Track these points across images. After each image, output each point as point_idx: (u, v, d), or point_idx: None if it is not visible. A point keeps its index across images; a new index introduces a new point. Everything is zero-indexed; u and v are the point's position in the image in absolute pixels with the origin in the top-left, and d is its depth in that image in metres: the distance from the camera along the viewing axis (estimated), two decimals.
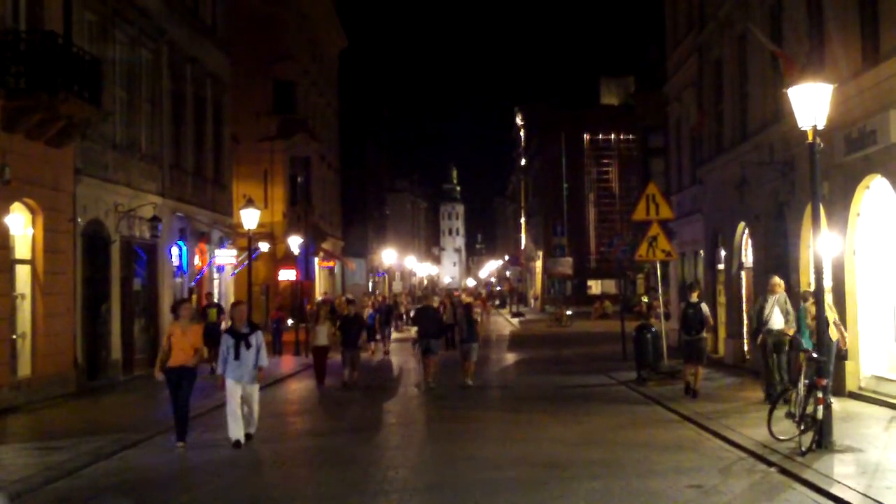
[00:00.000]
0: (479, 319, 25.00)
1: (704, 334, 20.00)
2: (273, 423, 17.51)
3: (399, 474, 12.77)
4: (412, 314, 30.09)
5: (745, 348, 25.23)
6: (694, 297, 20.28)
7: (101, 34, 24.23)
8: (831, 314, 16.52)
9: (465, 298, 35.17)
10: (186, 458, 14.23)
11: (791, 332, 17.24)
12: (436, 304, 27.54)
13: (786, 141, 20.77)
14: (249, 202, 29.35)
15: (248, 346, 14.63)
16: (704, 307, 20.18)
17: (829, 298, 16.87)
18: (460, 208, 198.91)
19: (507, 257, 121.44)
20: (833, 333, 16.49)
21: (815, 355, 13.61)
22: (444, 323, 25.18)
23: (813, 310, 16.02)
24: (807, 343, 16.39)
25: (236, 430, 14.60)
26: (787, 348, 17.45)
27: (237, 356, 14.59)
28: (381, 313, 35.56)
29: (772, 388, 17.23)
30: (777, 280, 18.00)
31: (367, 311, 34.49)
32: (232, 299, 36.64)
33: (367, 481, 12.09)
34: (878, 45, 16.87)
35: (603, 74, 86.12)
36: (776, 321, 17.55)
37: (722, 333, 28.13)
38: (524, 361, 31.95)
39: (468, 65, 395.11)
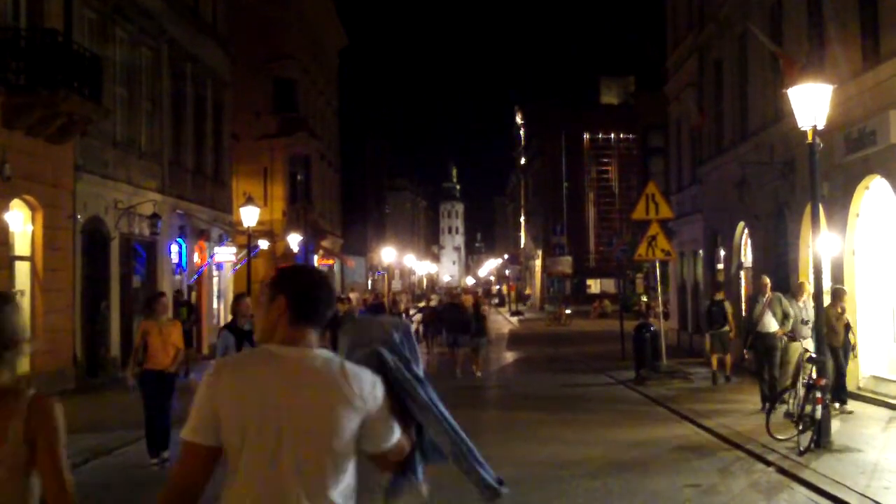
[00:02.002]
0: (487, 316, 27.04)
1: (727, 328, 22.06)
2: None
3: None
4: (440, 311, 30.92)
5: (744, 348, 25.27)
6: (719, 296, 22.92)
7: (102, 32, 24.24)
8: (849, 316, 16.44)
9: (466, 298, 35.43)
10: None
11: (782, 332, 16.53)
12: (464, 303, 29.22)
13: (786, 141, 20.79)
14: (249, 200, 29.37)
15: (253, 345, 12.71)
16: (727, 304, 22.56)
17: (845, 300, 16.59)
18: (460, 207, 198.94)
19: (506, 256, 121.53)
20: (851, 336, 16.43)
21: (813, 355, 13.66)
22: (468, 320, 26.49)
23: (831, 311, 15.87)
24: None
25: None
26: (778, 351, 16.65)
27: None
28: (371, 311, 35.47)
29: (764, 391, 16.70)
30: (766, 280, 17.37)
31: (358, 309, 34.48)
32: (232, 297, 36.69)
33: (366, 479, 12.08)
34: (878, 45, 16.89)
35: (603, 74, 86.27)
36: (767, 323, 16.72)
37: None
38: (523, 360, 31.98)
39: (468, 63, 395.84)
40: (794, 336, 16.41)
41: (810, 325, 16.38)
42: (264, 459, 3.23)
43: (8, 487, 3.42)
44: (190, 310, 25.98)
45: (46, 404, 3.59)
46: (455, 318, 26.17)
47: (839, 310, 16.17)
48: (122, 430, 15.66)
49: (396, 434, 3.55)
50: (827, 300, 16.21)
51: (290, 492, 3.22)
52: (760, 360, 16.96)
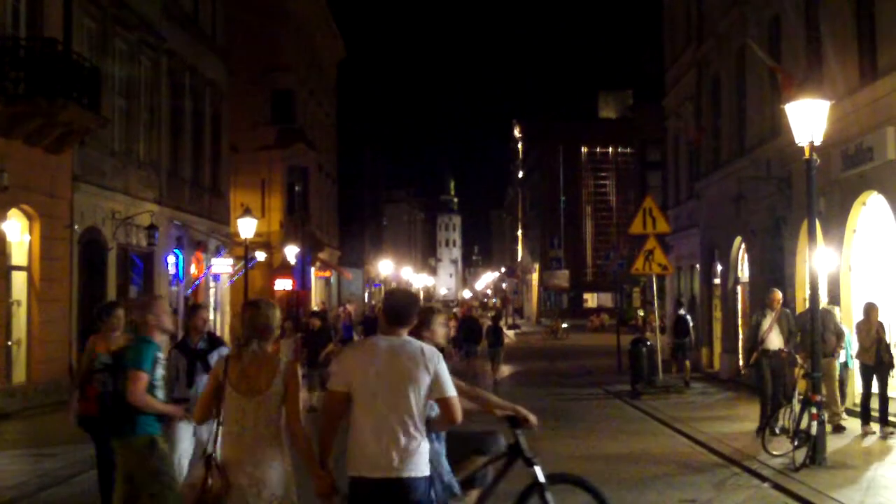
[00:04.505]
0: (503, 329, 29.90)
1: (688, 339, 25.81)
2: None
3: None
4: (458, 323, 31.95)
5: (741, 363, 25.25)
6: (682, 311, 26.66)
7: (101, 42, 24.28)
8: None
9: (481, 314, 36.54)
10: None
11: (785, 350, 15.97)
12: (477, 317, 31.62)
13: (783, 156, 20.82)
14: (247, 211, 29.36)
15: (207, 368, 10.05)
16: (689, 317, 26.48)
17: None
18: (457, 219, 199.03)
19: (503, 269, 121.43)
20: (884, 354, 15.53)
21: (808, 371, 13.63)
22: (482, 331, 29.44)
23: (864, 327, 15.37)
24: (850, 361, 16.27)
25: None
26: (784, 370, 16.06)
27: (190, 383, 10.30)
28: (367, 324, 35.13)
29: (766, 409, 16.00)
30: (778, 295, 16.49)
31: (342, 322, 34.35)
32: (228, 309, 36.56)
33: None
34: (876, 62, 16.94)
35: (601, 88, 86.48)
36: (774, 340, 15.91)
37: (718, 348, 28.18)
38: (519, 374, 31.94)
39: (467, 77, 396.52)
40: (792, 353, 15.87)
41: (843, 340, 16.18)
42: (375, 400, 5.63)
43: (272, 415, 6.00)
44: None
45: (295, 368, 6.26)
46: (471, 329, 28.59)
47: (872, 325, 15.43)
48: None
49: (452, 391, 5.79)
50: (830, 315, 16.10)
51: (389, 418, 5.61)
52: (763, 377, 16.12)
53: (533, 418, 7.64)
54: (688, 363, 25.35)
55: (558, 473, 8.36)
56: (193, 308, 11.58)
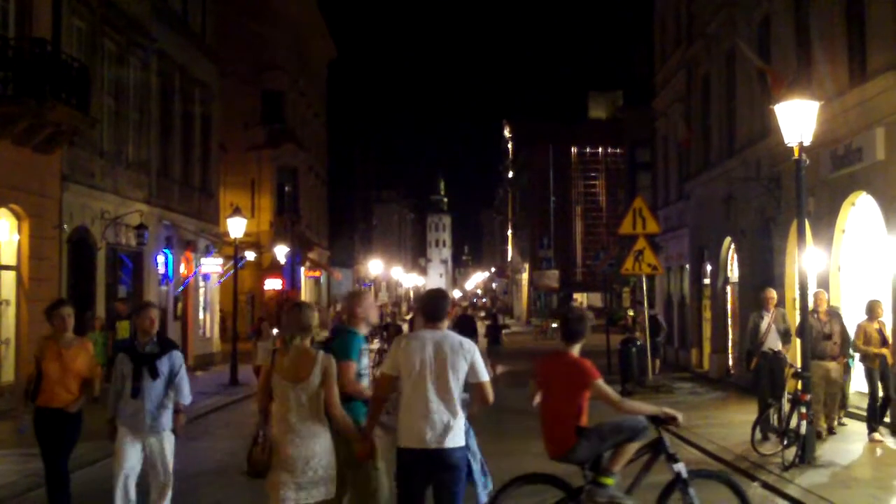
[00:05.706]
0: (501, 327, 31.62)
1: (660, 338, 26.88)
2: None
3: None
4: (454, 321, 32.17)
5: (730, 363, 25.32)
6: (654, 311, 27.71)
7: (90, 42, 24.19)
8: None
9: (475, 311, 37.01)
10: None
11: (785, 351, 15.58)
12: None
13: (772, 157, 20.87)
14: (236, 211, 29.28)
15: (155, 375, 9.14)
16: (660, 317, 28.20)
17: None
18: (447, 219, 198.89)
19: (493, 269, 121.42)
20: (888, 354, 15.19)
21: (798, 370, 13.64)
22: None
23: (869, 328, 15.04)
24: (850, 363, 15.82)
25: None
26: (783, 373, 15.39)
27: (136, 392, 9.12)
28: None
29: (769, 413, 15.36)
30: (772, 294, 16.11)
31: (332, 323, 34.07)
32: (217, 308, 36.49)
33: None
34: (865, 63, 16.98)
35: (591, 88, 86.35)
36: (772, 341, 15.53)
37: (707, 348, 28.23)
38: (507, 374, 31.93)
39: (457, 77, 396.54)
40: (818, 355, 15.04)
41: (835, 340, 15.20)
42: (420, 383, 6.85)
43: (314, 403, 7.15)
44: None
45: (330, 360, 7.28)
46: (466, 328, 28.98)
47: (877, 325, 15.08)
48: (104, 440, 15.51)
49: (485, 376, 7.14)
50: (838, 316, 15.86)
51: (432, 399, 6.84)
52: (760, 379, 15.73)
53: (680, 416, 8.40)
54: (657, 361, 26.00)
55: (701, 469, 9.11)
56: (141, 307, 9.80)
